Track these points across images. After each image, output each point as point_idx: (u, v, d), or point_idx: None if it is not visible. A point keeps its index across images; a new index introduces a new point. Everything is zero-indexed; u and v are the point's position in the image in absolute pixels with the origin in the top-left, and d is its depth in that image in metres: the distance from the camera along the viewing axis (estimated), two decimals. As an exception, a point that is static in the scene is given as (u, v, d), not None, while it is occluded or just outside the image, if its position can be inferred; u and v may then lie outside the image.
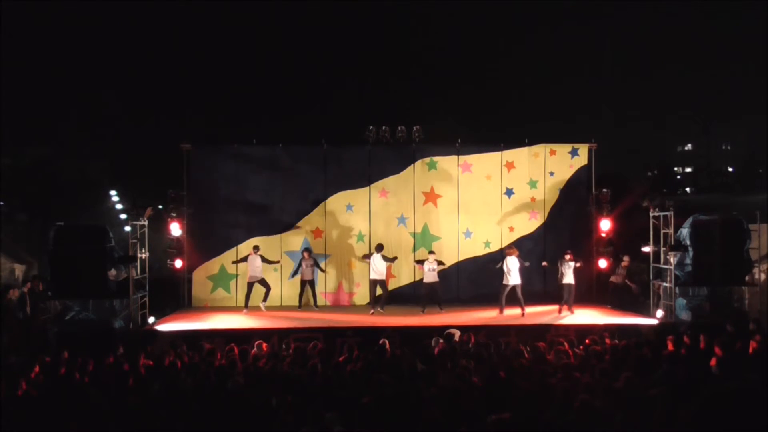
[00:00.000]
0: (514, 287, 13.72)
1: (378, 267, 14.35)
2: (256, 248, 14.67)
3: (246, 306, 14.48)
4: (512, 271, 13.72)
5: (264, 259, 14.60)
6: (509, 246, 14.69)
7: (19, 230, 19.64)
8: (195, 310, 15.12)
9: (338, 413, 5.56)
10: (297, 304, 14.94)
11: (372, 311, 14.22)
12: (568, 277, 13.92)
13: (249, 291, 14.49)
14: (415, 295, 15.16)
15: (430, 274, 14.29)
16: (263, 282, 14.59)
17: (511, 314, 13.72)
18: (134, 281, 13.02)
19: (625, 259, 15.23)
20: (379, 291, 14.58)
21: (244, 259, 14.75)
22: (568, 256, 13.96)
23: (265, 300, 14.57)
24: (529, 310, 13.81)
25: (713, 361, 7.62)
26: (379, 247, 14.56)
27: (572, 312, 13.85)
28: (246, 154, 15.94)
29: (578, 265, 14.05)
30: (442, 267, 14.73)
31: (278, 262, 15.19)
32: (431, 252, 14.66)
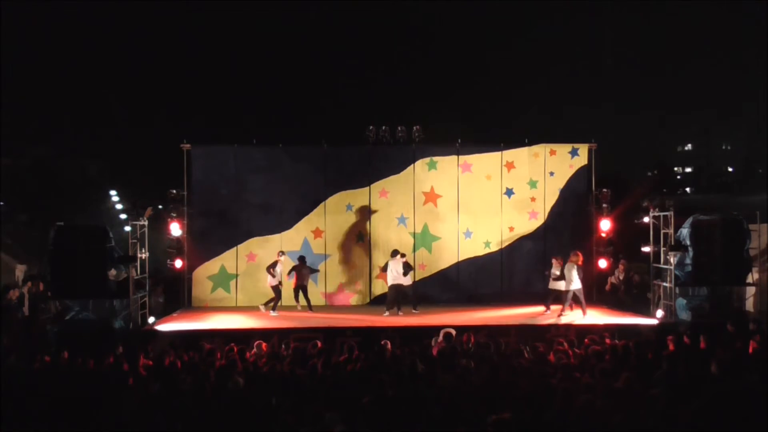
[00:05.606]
0: (573, 291, 13.40)
1: (396, 271, 14.01)
2: (281, 253, 14.66)
3: (266, 305, 14.39)
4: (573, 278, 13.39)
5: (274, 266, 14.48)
6: (575, 253, 13.65)
7: (19, 230, 19.64)
8: (195, 310, 15.12)
9: (338, 413, 5.56)
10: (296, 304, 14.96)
11: (387, 313, 13.85)
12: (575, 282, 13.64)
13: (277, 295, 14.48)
14: (414, 295, 15.11)
15: (394, 276, 13.96)
16: (276, 288, 14.43)
17: (511, 314, 13.71)
18: (134, 281, 13.02)
19: (623, 262, 15.41)
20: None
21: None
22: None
23: (268, 304, 14.47)
24: (529, 310, 13.81)
25: (713, 361, 7.61)
26: (395, 253, 14.25)
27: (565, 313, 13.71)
28: (246, 154, 15.93)
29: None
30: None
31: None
32: (402, 255, 14.18)
